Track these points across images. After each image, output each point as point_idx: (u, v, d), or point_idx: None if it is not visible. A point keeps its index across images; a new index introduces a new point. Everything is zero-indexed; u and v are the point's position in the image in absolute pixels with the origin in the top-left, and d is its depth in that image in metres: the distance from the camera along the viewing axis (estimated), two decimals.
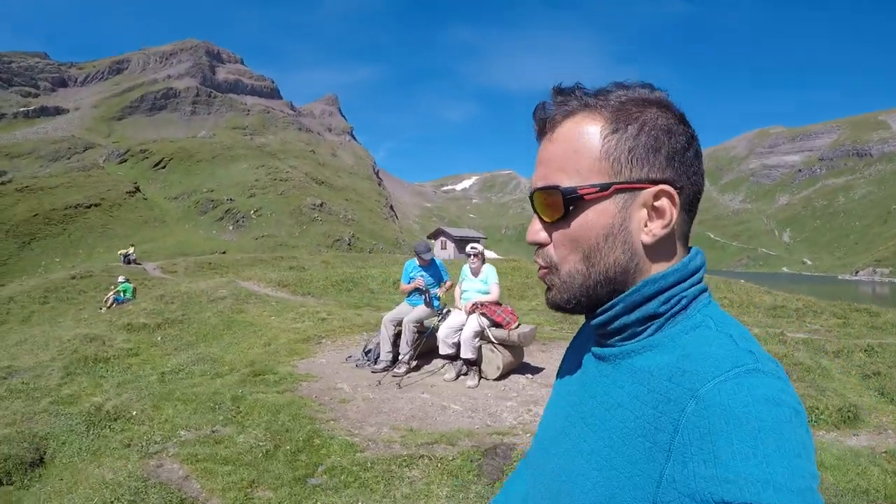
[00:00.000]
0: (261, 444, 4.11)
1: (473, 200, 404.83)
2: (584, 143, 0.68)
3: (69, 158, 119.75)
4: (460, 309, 6.23)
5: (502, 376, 6.07)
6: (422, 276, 6.37)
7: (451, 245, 55.21)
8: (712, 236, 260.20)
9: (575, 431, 0.71)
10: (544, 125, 0.72)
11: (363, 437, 4.29)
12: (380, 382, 5.83)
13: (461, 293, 6.36)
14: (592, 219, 0.67)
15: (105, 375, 7.22)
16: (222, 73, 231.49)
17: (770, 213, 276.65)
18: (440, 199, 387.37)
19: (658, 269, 0.69)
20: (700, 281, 0.70)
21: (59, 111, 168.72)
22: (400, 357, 6.23)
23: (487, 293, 6.17)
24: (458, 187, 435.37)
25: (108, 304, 15.84)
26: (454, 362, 6.16)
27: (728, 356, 0.59)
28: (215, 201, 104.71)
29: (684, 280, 0.68)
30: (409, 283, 6.42)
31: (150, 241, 74.96)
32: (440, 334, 6.02)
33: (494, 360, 6.08)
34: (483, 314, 5.99)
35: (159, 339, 9.03)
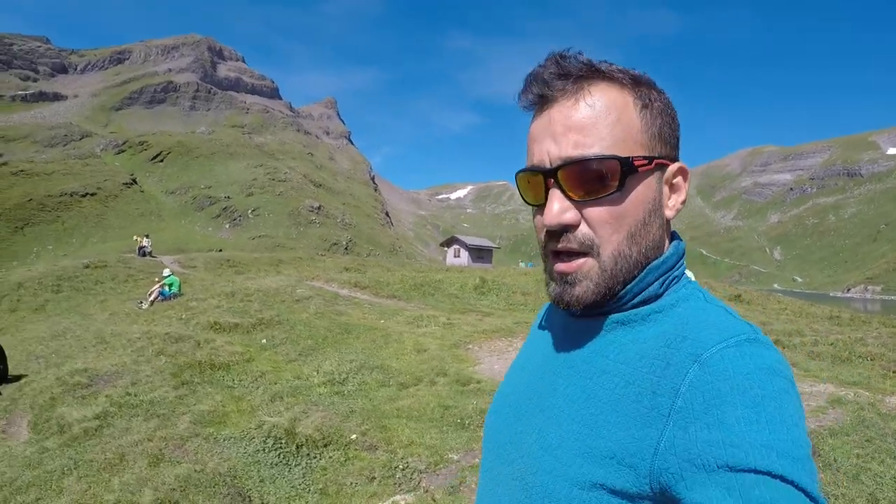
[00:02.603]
0: None
1: (468, 210, 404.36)
2: (624, 113, 0.63)
3: (65, 145, 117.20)
4: None
5: None
6: None
7: (464, 253, 55.03)
8: (705, 252, 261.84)
9: (549, 403, 0.66)
10: (555, 86, 0.64)
11: None
12: None
13: None
14: (642, 193, 0.63)
15: (235, 386, 6.13)
16: (223, 71, 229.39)
17: (762, 231, 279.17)
18: (434, 207, 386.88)
19: (667, 244, 0.68)
20: (683, 260, 0.70)
21: (57, 97, 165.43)
22: None
23: None
24: (453, 196, 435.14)
25: (152, 299, 14.62)
26: None
27: (729, 325, 0.58)
28: (213, 198, 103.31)
29: (679, 261, 0.68)
30: None
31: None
32: None
33: None
34: None
35: (264, 341, 7.95)
